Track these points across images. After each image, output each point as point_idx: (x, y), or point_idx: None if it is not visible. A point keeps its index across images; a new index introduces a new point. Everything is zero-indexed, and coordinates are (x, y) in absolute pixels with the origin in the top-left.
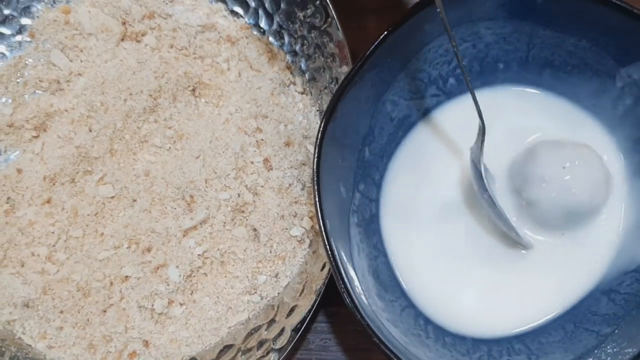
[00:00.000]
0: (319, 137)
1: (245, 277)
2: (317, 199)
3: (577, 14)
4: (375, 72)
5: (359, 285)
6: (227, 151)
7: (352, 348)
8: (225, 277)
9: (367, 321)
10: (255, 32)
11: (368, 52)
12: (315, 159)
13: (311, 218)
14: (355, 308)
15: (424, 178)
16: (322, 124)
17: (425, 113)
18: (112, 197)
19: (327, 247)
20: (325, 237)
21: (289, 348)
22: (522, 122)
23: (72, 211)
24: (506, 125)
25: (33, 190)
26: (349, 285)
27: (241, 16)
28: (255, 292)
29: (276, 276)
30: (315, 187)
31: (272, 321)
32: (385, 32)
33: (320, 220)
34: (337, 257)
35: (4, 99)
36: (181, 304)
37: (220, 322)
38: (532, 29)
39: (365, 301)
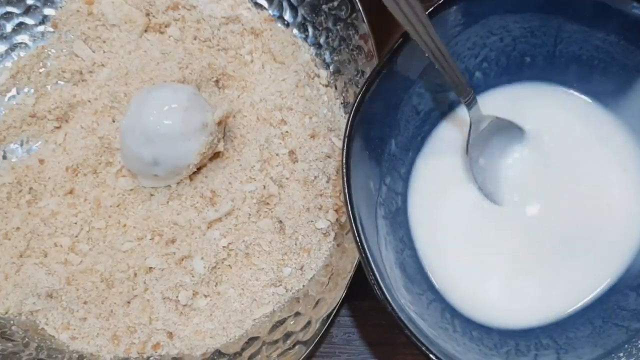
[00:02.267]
0: (348, 128)
1: (270, 269)
2: (346, 191)
3: (606, 8)
4: (402, 65)
5: (388, 277)
6: (252, 143)
7: (375, 342)
8: (250, 269)
9: (397, 313)
10: (279, 24)
11: (396, 45)
12: (345, 151)
13: (336, 211)
14: (386, 300)
15: (451, 173)
16: (351, 115)
17: (451, 107)
18: (132, 190)
19: (358, 238)
20: (355, 228)
21: (316, 340)
22: (546, 120)
23: (94, 202)
24: (530, 124)
25: (55, 180)
26: (379, 277)
27: (265, 8)
28: (280, 285)
29: (301, 269)
30: (345, 179)
31: (298, 314)
32: None
33: (350, 212)
34: (367, 249)
35: (26, 90)
36: (206, 296)
37: (245, 315)
38: (560, 23)
39: (394, 293)
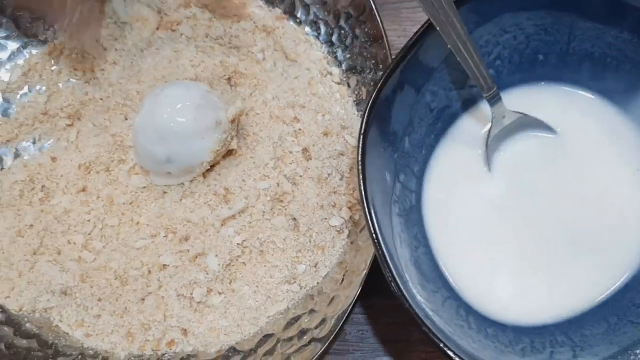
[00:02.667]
0: (363, 125)
1: (285, 267)
2: (362, 187)
3: (619, 5)
4: (417, 62)
5: (404, 274)
6: (266, 140)
7: (388, 339)
8: (265, 266)
9: (415, 310)
10: (291, 22)
11: (410, 43)
12: (360, 148)
13: (350, 208)
14: (403, 296)
15: (464, 170)
16: (366, 112)
17: (464, 104)
18: (144, 187)
19: (374, 235)
20: (371, 225)
21: (332, 337)
22: (557, 118)
23: (107, 200)
24: None
25: (68, 178)
26: (395, 274)
27: (277, 6)
28: (295, 282)
29: (315, 266)
30: (360, 176)
31: (312, 311)
32: (427, 25)
33: (366, 209)
34: (384, 246)
35: (38, 87)
36: (220, 293)
37: (259, 312)
38: (573, 21)
39: (411, 290)
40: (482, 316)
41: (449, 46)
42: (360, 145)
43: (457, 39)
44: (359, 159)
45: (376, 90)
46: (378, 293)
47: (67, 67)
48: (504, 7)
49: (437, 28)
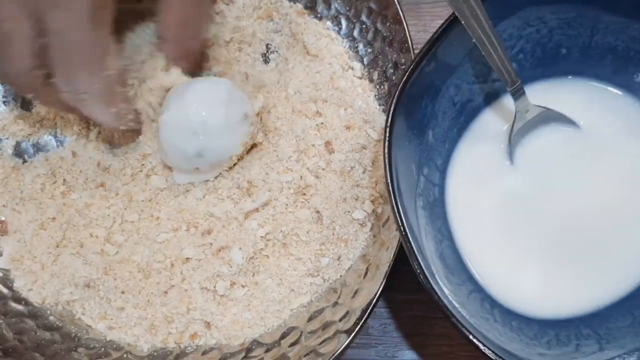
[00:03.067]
0: (390, 118)
1: (308, 259)
2: (389, 180)
3: None
4: (441, 56)
5: (430, 267)
6: (288, 134)
7: (410, 333)
8: (288, 259)
9: (443, 302)
10: (312, 17)
11: (435, 36)
12: (387, 141)
13: (372, 202)
14: (432, 289)
15: (488, 164)
16: (392, 106)
17: (486, 98)
18: (164, 188)
19: (402, 228)
20: (399, 218)
21: (357, 329)
22: (580, 114)
23: (126, 196)
24: None
25: (87, 174)
26: (424, 267)
27: (297, 1)
28: (318, 275)
29: (339, 259)
30: (387, 168)
31: (336, 304)
32: (451, 18)
33: (394, 201)
34: (411, 239)
35: None
36: (243, 286)
37: (283, 304)
38: (596, 14)
39: (438, 283)
40: (507, 309)
41: (473, 40)
42: (387, 137)
43: (482, 33)
44: (386, 151)
45: (402, 83)
46: (399, 287)
47: None
48: (529, 0)
49: (462, 22)
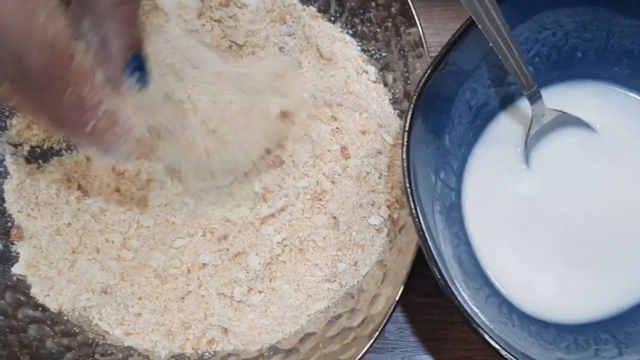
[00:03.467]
0: (408, 123)
1: (325, 265)
2: (407, 185)
3: None
4: (458, 59)
5: (449, 272)
6: (304, 139)
7: (427, 338)
8: (305, 264)
9: (464, 307)
10: (325, 21)
11: (452, 40)
12: (405, 146)
13: (388, 207)
14: (452, 295)
15: (504, 168)
16: (410, 110)
17: (502, 102)
18: (179, 194)
19: (422, 233)
20: (418, 223)
21: (376, 335)
22: (596, 118)
23: (141, 201)
24: None
25: (102, 179)
26: (444, 272)
27: (311, 4)
28: (335, 280)
29: (355, 264)
30: (406, 173)
31: (353, 310)
32: (468, 22)
33: (413, 206)
34: (431, 244)
35: None
36: (260, 292)
37: (300, 310)
38: (612, 17)
39: (458, 287)
40: (525, 314)
41: (490, 44)
42: (406, 142)
43: (499, 37)
44: (404, 156)
45: (419, 88)
46: (416, 291)
47: None
48: (545, 4)
49: (479, 26)
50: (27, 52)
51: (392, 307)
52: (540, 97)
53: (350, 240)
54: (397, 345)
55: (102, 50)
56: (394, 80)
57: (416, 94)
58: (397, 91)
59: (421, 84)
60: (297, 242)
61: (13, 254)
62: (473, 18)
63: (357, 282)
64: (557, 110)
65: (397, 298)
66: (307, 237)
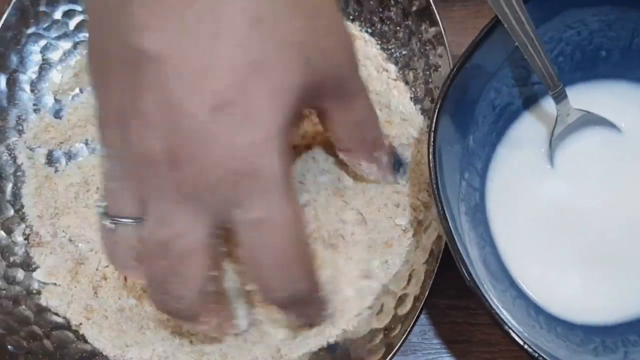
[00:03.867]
0: (434, 123)
1: (361, 260)
2: (435, 187)
3: None
4: (483, 59)
5: (478, 273)
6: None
7: (451, 340)
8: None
9: (495, 309)
10: (344, 19)
11: (477, 40)
12: (432, 147)
13: (414, 209)
14: (483, 296)
15: (528, 167)
16: (436, 110)
17: (525, 102)
18: None
19: (450, 235)
20: (446, 224)
21: (404, 338)
22: (621, 117)
23: None
24: None
25: None
26: (473, 273)
27: None
28: (372, 277)
29: (386, 262)
30: (433, 175)
31: (380, 311)
32: (493, 21)
33: (440, 207)
34: (459, 245)
35: (89, 88)
36: None
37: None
38: (637, 16)
39: (486, 289)
40: (551, 315)
41: (515, 44)
42: (432, 143)
43: (525, 37)
44: (431, 157)
45: (444, 88)
46: (438, 293)
47: None
48: (570, 3)
49: (505, 25)
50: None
51: (420, 308)
52: (565, 96)
53: (378, 239)
54: (420, 347)
55: None
56: (415, 78)
57: (441, 96)
58: (418, 90)
59: (446, 85)
60: (326, 236)
61: (34, 260)
62: (499, 17)
63: (389, 280)
64: (582, 110)
65: (423, 300)
66: (335, 232)
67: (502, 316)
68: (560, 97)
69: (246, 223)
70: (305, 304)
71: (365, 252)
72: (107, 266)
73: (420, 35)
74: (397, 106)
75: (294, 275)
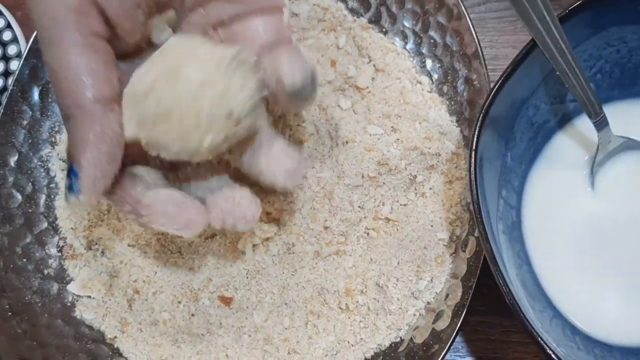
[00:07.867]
0: (474, 141)
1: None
2: (476, 204)
3: None
4: (524, 76)
5: (517, 292)
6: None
7: (484, 357)
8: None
9: (535, 330)
10: (376, 32)
11: (518, 58)
12: (473, 165)
13: (450, 224)
14: (524, 317)
15: (566, 186)
16: (476, 129)
17: (562, 119)
18: None
19: (491, 253)
20: (488, 242)
21: (443, 354)
22: None
23: None
24: None
25: None
26: (513, 292)
27: (362, 15)
28: (419, 298)
29: (431, 280)
30: (475, 192)
31: (417, 327)
32: (532, 42)
33: (482, 226)
34: (500, 263)
35: None
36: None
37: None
38: None
39: (525, 309)
40: (588, 337)
41: (557, 73)
42: (473, 162)
43: (566, 66)
44: (473, 177)
45: (485, 106)
46: (471, 309)
47: None
48: (611, 21)
49: (546, 55)
50: None
51: (459, 325)
52: (607, 124)
53: (424, 255)
54: None
55: None
56: (449, 90)
57: (482, 113)
58: (452, 102)
59: (487, 104)
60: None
61: (68, 272)
62: (540, 47)
63: (434, 298)
64: (623, 137)
65: (462, 317)
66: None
67: (543, 337)
68: (602, 125)
69: None
70: None
71: (415, 272)
72: (135, 281)
73: (455, 48)
74: (435, 119)
75: None
